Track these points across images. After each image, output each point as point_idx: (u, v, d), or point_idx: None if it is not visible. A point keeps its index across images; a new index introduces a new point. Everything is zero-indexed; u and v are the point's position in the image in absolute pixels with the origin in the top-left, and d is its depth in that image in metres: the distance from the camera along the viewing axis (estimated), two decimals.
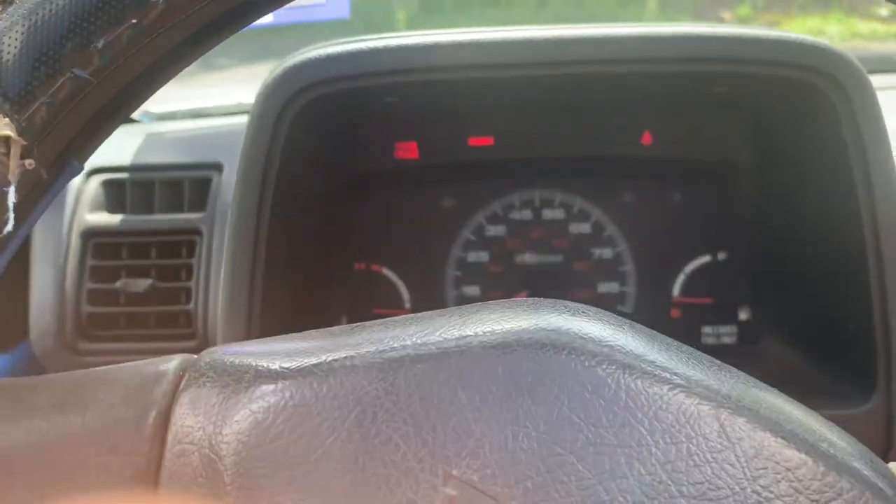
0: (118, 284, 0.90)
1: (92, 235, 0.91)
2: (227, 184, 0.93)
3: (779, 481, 0.24)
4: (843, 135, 0.68)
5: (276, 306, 0.73)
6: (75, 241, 0.91)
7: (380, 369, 0.26)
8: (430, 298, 0.94)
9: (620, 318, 0.29)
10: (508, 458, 0.25)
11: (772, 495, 0.24)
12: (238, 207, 0.69)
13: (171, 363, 0.30)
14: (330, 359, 0.27)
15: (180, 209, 0.94)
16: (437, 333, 0.27)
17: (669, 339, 0.29)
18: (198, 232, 0.92)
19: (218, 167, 0.95)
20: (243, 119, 1.04)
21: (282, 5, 0.34)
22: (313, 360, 0.27)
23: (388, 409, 0.26)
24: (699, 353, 0.29)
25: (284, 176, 0.70)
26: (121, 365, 0.31)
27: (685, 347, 0.29)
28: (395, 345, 0.27)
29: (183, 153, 0.97)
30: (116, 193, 0.94)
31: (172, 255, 0.92)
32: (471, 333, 0.27)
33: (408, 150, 0.88)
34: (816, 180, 0.77)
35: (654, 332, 0.29)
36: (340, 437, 0.26)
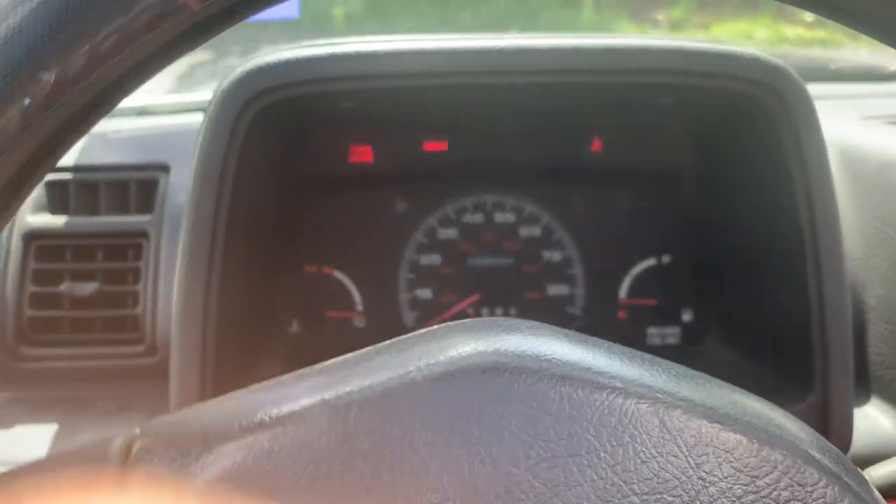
0: (62, 288, 0.88)
1: (34, 238, 0.89)
2: (175, 185, 0.92)
3: (720, 464, 0.25)
4: (783, 144, 0.71)
5: (230, 311, 0.72)
6: (16, 243, 0.88)
7: (328, 419, 0.26)
8: (382, 301, 0.94)
9: (554, 328, 0.30)
10: (468, 486, 0.25)
11: (715, 478, 0.25)
12: (194, 212, 0.68)
13: (115, 444, 0.28)
14: (276, 414, 0.27)
15: (126, 211, 0.92)
16: (381, 373, 0.27)
17: (604, 342, 0.30)
18: (145, 235, 0.90)
19: (164, 168, 0.93)
20: (189, 118, 1.03)
21: (262, 9, 0.33)
22: (260, 418, 0.27)
23: (341, 458, 0.26)
24: (633, 350, 0.30)
25: (240, 179, 0.69)
26: (60, 453, 0.30)
27: (618, 347, 0.30)
28: (340, 392, 0.27)
29: (128, 153, 0.95)
30: (59, 194, 0.92)
31: (119, 258, 0.90)
32: (413, 368, 0.27)
33: (362, 154, 0.88)
34: (757, 187, 0.80)
35: (589, 337, 0.30)
36: (299, 495, 0.25)
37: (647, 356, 0.30)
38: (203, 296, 0.69)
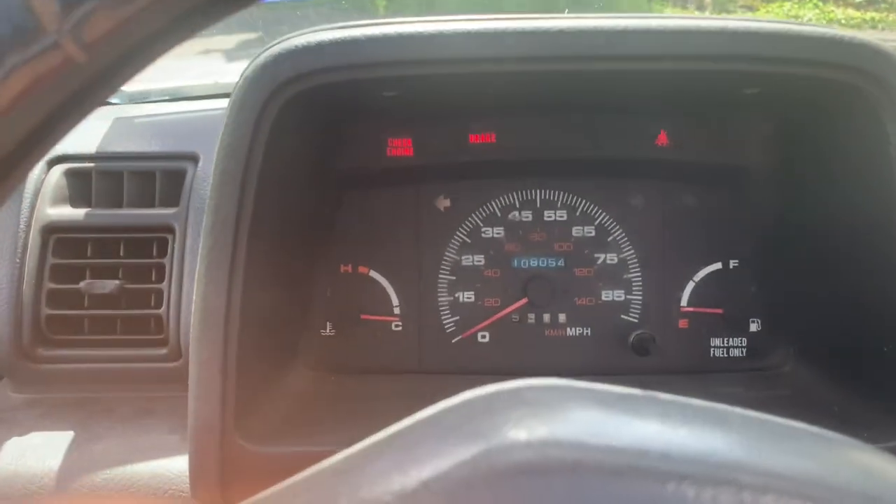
0: (82, 285, 0.82)
1: (53, 231, 0.84)
2: (203, 177, 0.85)
3: None
4: (887, 139, 0.62)
5: (254, 314, 0.66)
6: (34, 237, 0.83)
7: None
8: (420, 304, 0.87)
9: (584, 387, 0.27)
10: None
11: None
12: (213, 213, 0.61)
13: None
14: None
15: (151, 203, 0.86)
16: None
17: (648, 396, 0.27)
18: (170, 229, 0.84)
19: (193, 158, 0.87)
20: (223, 103, 0.97)
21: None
22: None
23: None
24: (688, 402, 0.26)
25: (267, 175, 0.63)
26: None
27: (669, 402, 0.26)
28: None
29: (155, 141, 0.89)
30: (81, 185, 0.87)
31: (142, 254, 0.84)
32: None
33: (402, 147, 0.81)
34: (850, 186, 0.71)
35: (629, 392, 0.27)
36: None
37: (708, 407, 0.26)
38: (224, 301, 0.62)
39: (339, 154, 0.80)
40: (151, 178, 0.87)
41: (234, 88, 0.62)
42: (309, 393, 0.78)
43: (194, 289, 0.63)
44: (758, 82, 0.67)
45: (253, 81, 0.60)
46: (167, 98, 1.18)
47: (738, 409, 0.27)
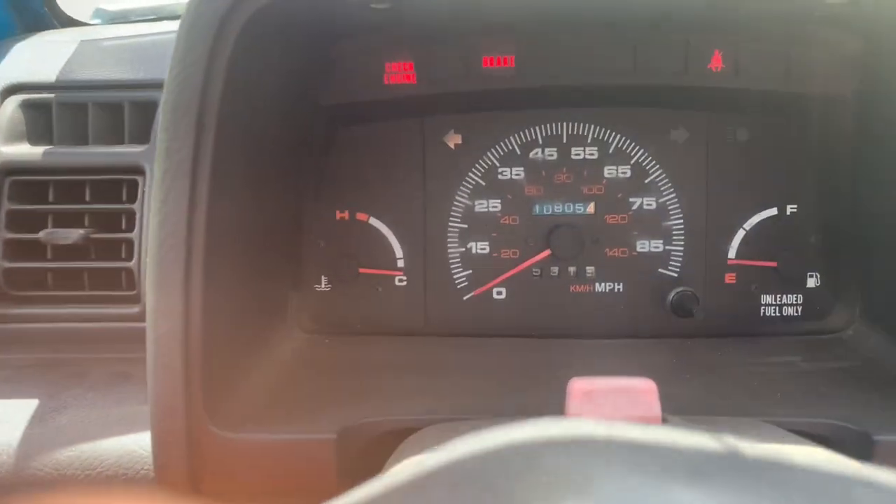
0: (42, 234, 0.73)
1: (9, 172, 0.74)
2: None
3: None
4: None
5: (226, 273, 0.56)
6: None
7: None
8: (427, 256, 0.77)
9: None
10: None
11: None
12: (165, 157, 0.51)
13: None
14: None
15: (120, 140, 0.76)
16: None
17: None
18: (140, 171, 0.74)
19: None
20: None
21: None
22: None
23: None
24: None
25: (229, 108, 0.51)
26: None
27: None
28: None
29: (123, 67, 0.78)
30: (40, 118, 0.76)
31: (110, 198, 0.74)
32: None
33: (402, 73, 0.69)
34: None
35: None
36: None
37: (821, 473, 0.21)
38: (182, 265, 0.52)
39: (328, 82, 0.69)
40: (119, 110, 0.76)
41: (185, 8, 0.51)
42: (297, 360, 0.68)
43: (147, 249, 0.53)
44: None
45: None
46: (152, 17, 1.06)
47: (861, 474, 0.21)
